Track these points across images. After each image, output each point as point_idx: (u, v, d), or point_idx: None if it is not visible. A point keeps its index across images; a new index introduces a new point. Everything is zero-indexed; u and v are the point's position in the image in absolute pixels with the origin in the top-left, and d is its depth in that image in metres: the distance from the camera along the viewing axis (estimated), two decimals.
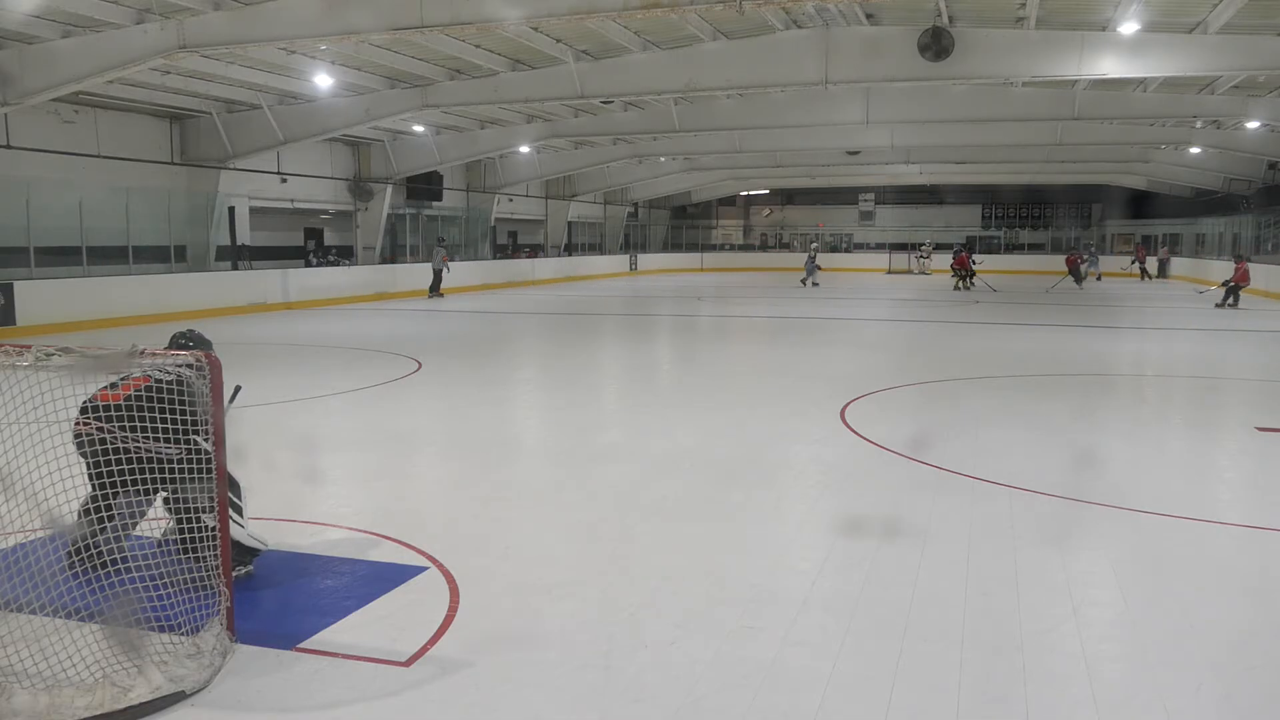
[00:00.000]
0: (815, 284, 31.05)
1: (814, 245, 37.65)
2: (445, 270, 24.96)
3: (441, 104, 19.38)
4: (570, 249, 38.81)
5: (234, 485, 4.21)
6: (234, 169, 21.17)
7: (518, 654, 3.76)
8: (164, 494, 4.14)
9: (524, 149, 27.93)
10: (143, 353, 3.62)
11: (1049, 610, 4.20)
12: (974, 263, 30.12)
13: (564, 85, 17.82)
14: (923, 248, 40.46)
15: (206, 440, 3.77)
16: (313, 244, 26.11)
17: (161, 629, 3.57)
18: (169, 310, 17.50)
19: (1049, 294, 26.57)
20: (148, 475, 3.90)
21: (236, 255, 21.84)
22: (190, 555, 3.96)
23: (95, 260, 18.21)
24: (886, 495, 6.19)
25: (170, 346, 4.47)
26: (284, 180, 23.24)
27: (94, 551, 3.89)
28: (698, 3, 11.65)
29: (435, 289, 24.92)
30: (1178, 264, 35.71)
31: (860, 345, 15.67)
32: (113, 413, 4.03)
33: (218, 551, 3.71)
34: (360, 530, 5.23)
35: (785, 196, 49.31)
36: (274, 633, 3.88)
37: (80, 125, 18.37)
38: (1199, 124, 24.61)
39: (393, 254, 27.94)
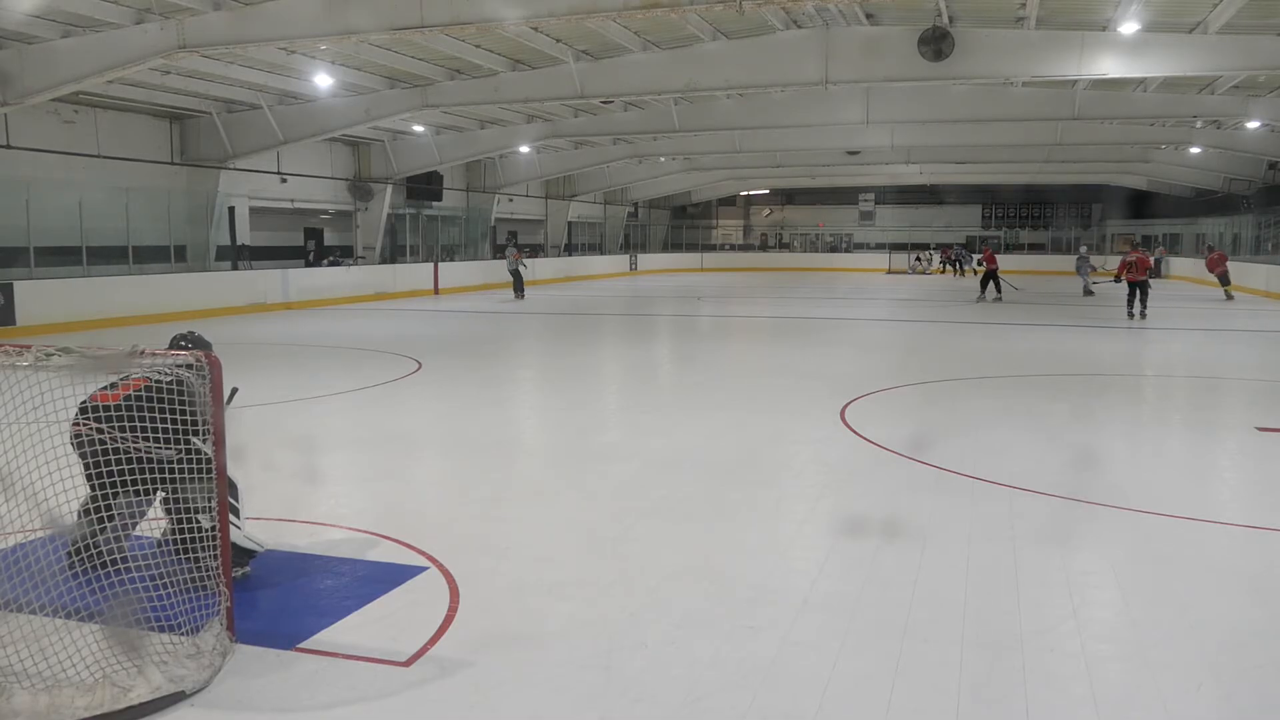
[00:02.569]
0: (1090, 291, 25.73)
1: (1084, 247, 30.87)
2: (523, 269, 24.79)
3: (441, 104, 19.38)
4: (570, 249, 38.81)
5: (231, 487, 4.21)
6: (234, 169, 21.17)
7: (518, 654, 3.75)
8: (162, 494, 4.15)
9: (524, 149, 27.93)
10: (143, 353, 3.62)
11: (1049, 610, 4.20)
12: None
13: (564, 85, 17.82)
14: (928, 251, 40.62)
15: (204, 442, 3.77)
16: (312, 244, 26.10)
17: (161, 629, 3.57)
18: (169, 310, 17.50)
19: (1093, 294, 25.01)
20: (146, 476, 3.90)
21: (236, 255, 21.84)
22: (187, 556, 3.96)
23: (95, 260, 18.21)
24: (886, 495, 6.19)
25: (170, 349, 4.47)
26: (284, 180, 23.24)
27: (94, 551, 3.89)
28: (698, 3, 11.65)
29: (520, 290, 24.55)
30: (1178, 264, 35.69)
31: (860, 345, 15.67)
32: (111, 413, 4.03)
33: (215, 552, 3.71)
34: (360, 530, 5.23)
35: (785, 196, 49.34)
36: (274, 633, 3.88)
37: (80, 125, 18.38)
38: (1199, 124, 24.62)
39: (392, 254, 27.95)
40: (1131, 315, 18.52)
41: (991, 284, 23.96)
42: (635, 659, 3.70)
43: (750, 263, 45.31)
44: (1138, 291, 18.52)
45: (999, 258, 25.22)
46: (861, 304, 24.41)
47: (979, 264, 36.55)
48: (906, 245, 42.22)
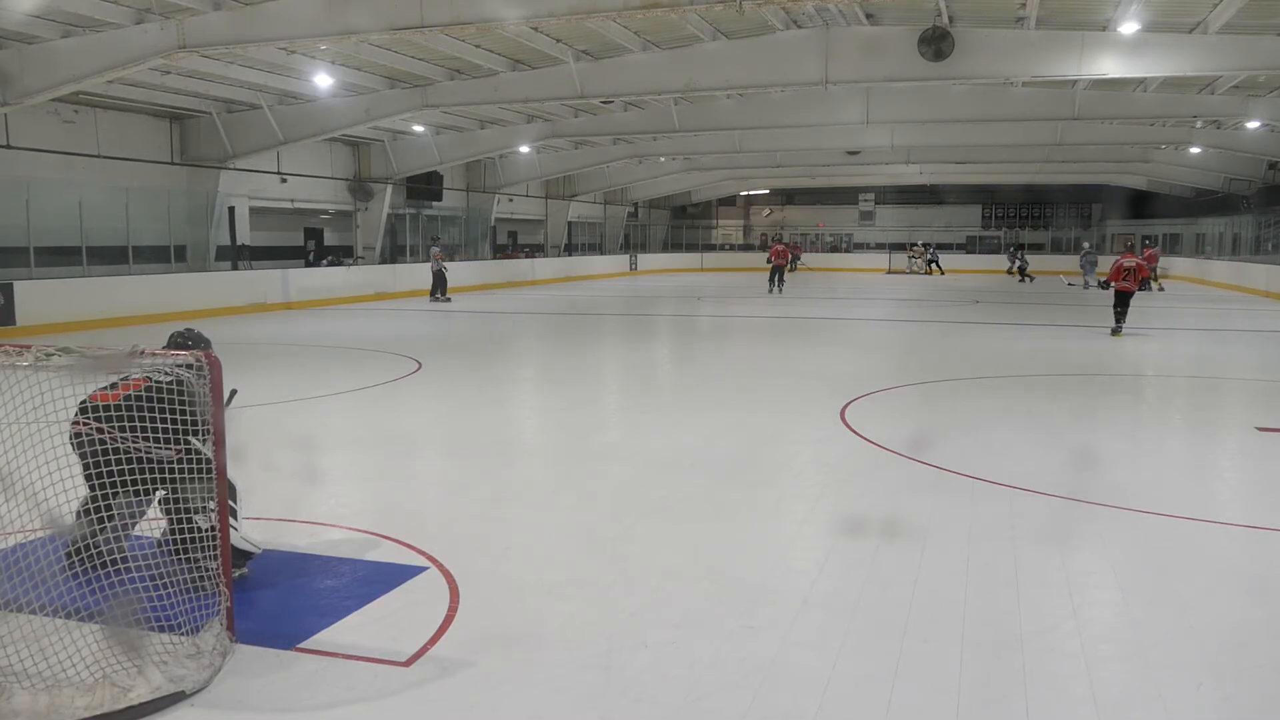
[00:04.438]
0: (1105, 286, 26.27)
1: (1086, 244, 31.96)
2: (444, 270, 23.52)
3: (441, 104, 19.38)
4: (570, 249, 38.81)
5: (230, 488, 4.20)
6: (234, 169, 21.17)
7: (518, 654, 3.75)
8: (161, 494, 4.15)
9: (524, 149, 27.92)
10: (143, 353, 3.62)
11: (1049, 610, 4.20)
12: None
13: (564, 85, 17.82)
14: (914, 248, 40.58)
15: (203, 442, 3.77)
16: (312, 244, 26.10)
17: (161, 629, 3.57)
18: (169, 310, 17.49)
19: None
20: (145, 476, 3.90)
21: (236, 255, 21.84)
22: (185, 557, 3.95)
23: (95, 260, 18.20)
24: (886, 495, 6.19)
25: (168, 345, 4.46)
26: (284, 180, 23.23)
27: (93, 551, 3.89)
28: (698, 3, 11.65)
29: (440, 292, 23.26)
30: (1179, 264, 35.65)
31: (860, 345, 15.67)
32: (110, 413, 4.03)
33: (213, 553, 3.71)
34: (360, 530, 5.23)
35: (785, 196, 49.31)
36: (274, 633, 3.88)
37: (80, 125, 18.37)
38: (1199, 124, 24.62)
39: (393, 254, 27.94)
40: (1116, 331, 15.75)
41: (779, 278, 26.76)
42: (635, 659, 3.70)
43: (750, 263, 45.22)
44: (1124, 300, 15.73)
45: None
46: (861, 304, 24.41)
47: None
48: (906, 245, 42.23)
